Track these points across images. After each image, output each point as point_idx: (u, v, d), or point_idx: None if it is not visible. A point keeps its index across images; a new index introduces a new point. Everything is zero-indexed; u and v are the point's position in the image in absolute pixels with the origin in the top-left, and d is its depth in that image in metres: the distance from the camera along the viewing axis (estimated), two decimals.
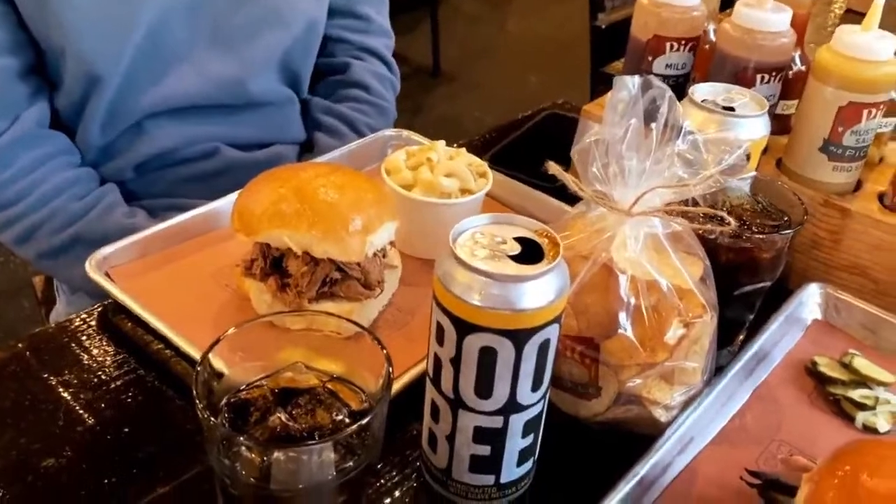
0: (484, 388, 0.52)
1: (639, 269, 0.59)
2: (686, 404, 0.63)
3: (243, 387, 0.51)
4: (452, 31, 3.74)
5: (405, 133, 1.02)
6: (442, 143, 0.87)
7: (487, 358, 0.51)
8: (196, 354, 0.66)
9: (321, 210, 0.69)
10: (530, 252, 0.51)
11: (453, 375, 0.53)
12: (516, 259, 0.50)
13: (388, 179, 0.82)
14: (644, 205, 0.58)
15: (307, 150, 1.19)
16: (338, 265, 0.71)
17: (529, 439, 0.56)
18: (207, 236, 0.84)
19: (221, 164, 1.08)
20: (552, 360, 0.53)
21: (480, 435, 0.54)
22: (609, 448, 0.63)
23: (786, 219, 0.70)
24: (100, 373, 0.68)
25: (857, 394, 0.69)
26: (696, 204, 0.61)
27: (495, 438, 0.54)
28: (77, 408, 0.64)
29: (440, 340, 0.52)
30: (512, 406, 0.53)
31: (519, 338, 0.50)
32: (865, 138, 0.78)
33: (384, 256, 0.77)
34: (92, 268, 0.74)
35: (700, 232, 0.64)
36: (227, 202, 0.86)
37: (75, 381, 0.67)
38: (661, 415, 0.62)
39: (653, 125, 0.58)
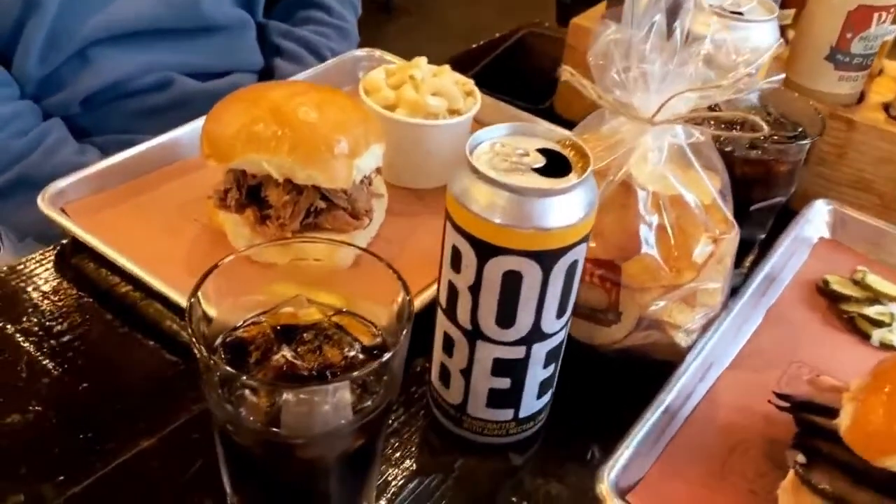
0: (506, 316, 0.47)
1: (661, 184, 0.55)
2: (705, 328, 0.60)
3: (238, 325, 0.45)
4: None
5: (377, 53, 0.95)
6: (423, 59, 0.80)
7: (512, 283, 0.46)
8: (171, 293, 0.60)
9: (302, 131, 0.62)
10: (556, 165, 0.46)
11: (471, 304, 0.48)
12: (541, 172, 0.45)
13: (368, 99, 0.75)
14: (668, 112, 0.53)
15: (266, 78, 1.11)
16: (322, 193, 0.65)
17: (550, 369, 0.52)
18: (170, 168, 0.76)
19: (177, 95, 1.00)
20: (577, 283, 0.49)
21: (500, 367, 0.50)
22: (621, 375, 0.59)
23: (800, 129, 0.66)
24: (62, 319, 0.61)
25: (872, 311, 0.67)
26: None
27: (516, 370, 0.50)
28: (41, 358, 0.57)
29: (456, 266, 0.47)
30: (535, 335, 0.48)
31: (547, 260, 0.45)
32: (874, 45, 0.74)
33: (370, 184, 0.71)
34: (45, 203, 0.66)
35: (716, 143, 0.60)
36: (188, 130, 0.78)
37: (36, 329, 0.60)
38: (682, 339, 0.58)
39: (676, 24, 0.52)
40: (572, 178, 0.45)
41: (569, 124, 0.90)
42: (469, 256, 0.46)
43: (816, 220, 0.75)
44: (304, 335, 0.45)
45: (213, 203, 0.67)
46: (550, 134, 0.48)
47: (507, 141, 0.47)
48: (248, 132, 0.62)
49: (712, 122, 0.53)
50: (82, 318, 0.61)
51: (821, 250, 0.75)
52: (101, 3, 0.92)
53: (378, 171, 0.72)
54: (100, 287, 0.64)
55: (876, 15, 0.72)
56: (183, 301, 0.59)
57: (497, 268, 0.45)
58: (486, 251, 0.45)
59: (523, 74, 1.04)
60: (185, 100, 1.01)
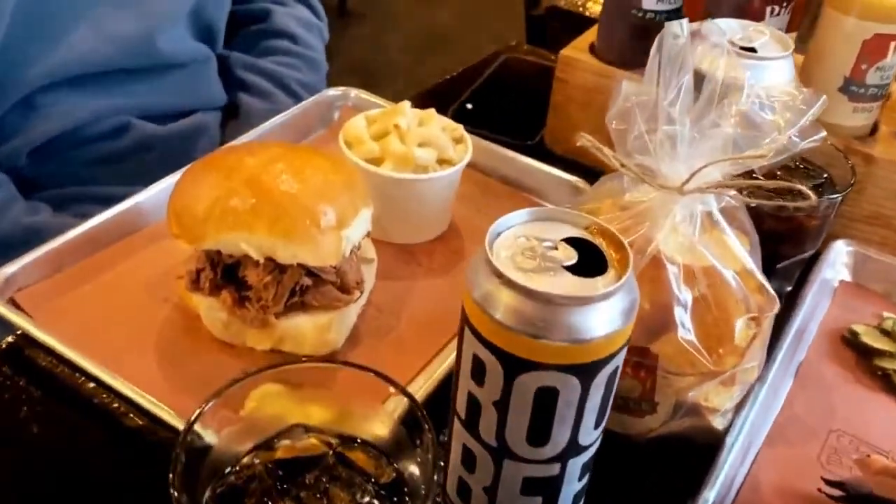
0: (540, 434, 0.41)
1: (691, 255, 0.49)
2: (739, 405, 0.54)
3: (229, 469, 0.38)
4: None
5: (353, 92, 0.88)
6: (407, 104, 0.74)
7: (546, 400, 0.39)
8: (149, 405, 0.53)
9: (283, 204, 0.56)
10: (588, 258, 0.40)
11: (497, 420, 0.41)
12: (574, 270, 0.39)
13: (350, 154, 0.69)
14: (699, 179, 0.47)
15: (231, 115, 1.03)
16: (308, 269, 0.58)
17: (585, 480, 0.46)
18: (134, 238, 0.69)
19: (135, 140, 0.92)
20: (616, 386, 0.43)
21: (531, 486, 0.43)
22: (654, 463, 0.54)
23: (825, 176, 0.61)
24: (19, 435, 0.53)
25: None
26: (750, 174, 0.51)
27: (549, 487, 0.44)
28: None
29: (479, 379, 0.41)
30: (571, 450, 0.42)
31: (587, 372, 0.39)
32: (889, 74, 0.70)
33: (358, 248, 0.64)
34: None
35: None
36: (152, 194, 0.71)
37: None
38: (719, 423, 0.53)
39: (705, 81, 0.47)
40: (611, 278, 0.39)
41: (560, 160, 0.86)
42: (495, 370, 0.40)
43: (837, 262, 0.70)
44: (307, 476, 0.38)
45: (183, 285, 0.60)
46: (577, 220, 0.42)
47: (529, 231, 0.41)
48: (223, 208, 0.55)
49: (751, 191, 0.48)
50: (41, 431, 0.54)
51: (843, 295, 0.70)
52: (45, 45, 0.83)
53: (367, 233, 0.66)
54: (63, 389, 0.57)
55: (892, 44, 0.67)
56: (160, 412, 0.52)
57: (529, 384, 0.39)
58: (515, 366, 0.39)
59: (505, 103, 0.98)
60: (144, 145, 0.93)
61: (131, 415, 0.55)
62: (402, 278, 0.69)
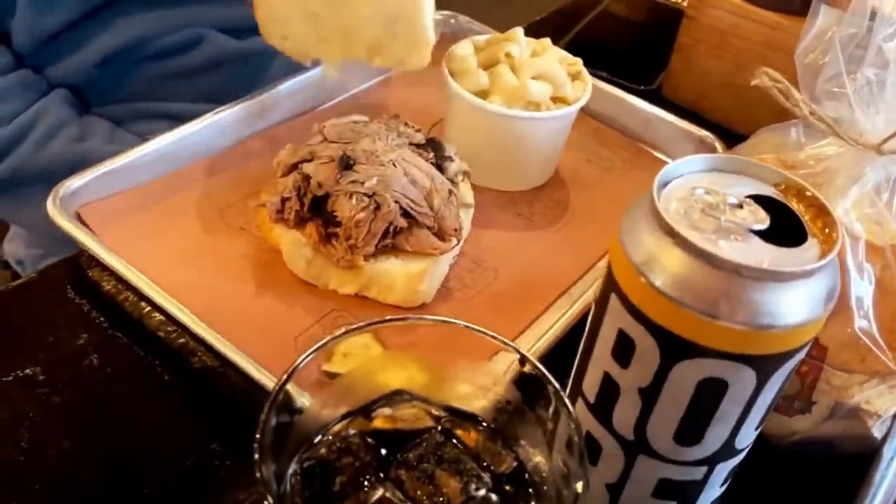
0: (692, 432, 0.34)
1: (880, 230, 0.40)
2: None
3: (319, 438, 0.32)
4: None
5: (458, 18, 0.79)
6: (520, 30, 0.65)
7: (710, 394, 0.32)
8: (220, 346, 0.47)
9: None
10: (781, 224, 0.32)
11: (640, 411, 0.34)
12: (765, 237, 0.31)
13: (454, 84, 0.61)
14: None
15: None
16: (404, 209, 0.51)
17: (725, 486, 0.38)
18: (209, 160, 0.62)
19: (209, 55, 0.84)
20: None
21: (667, 488, 0.36)
22: (796, 470, 0.46)
23: None
24: (76, 365, 0.48)
25: None
26: None
27: (687, 492, 0.37)
28: (46, 422, 0.45)
29: (623, 360, 0.33)
30: (724, 452, 0.35)
31: (766, 366, 0.31)
32: None
33: (457, 191, 0.57)
34: (56, 208, 0.53)
35: None
36: (231, 113, 0.64)
37: (42, 379, 0.47)
38: (878, 430, 0.44)
39: None
40: (814, 253, 0.31)
41: (678, 108, 0.76)
42: (648, 351, 0.32)
43: None
44: (409, 453, 0.31)
45: (266, 215, 0.53)
46: (765, 174, 0.34)
47: (708, 183, 0.33)
48: None
49: None
50: (102, 363, 0.48)
51: None
52: None
53: (466, 174, 0.59)
54: (127, 318, 0.51)
55: None
56: (233, 355, 0.46)
57: (691, 373, 0.31)
58: (678, 350, 0.31)
59: (617, 41, 0.89)
60: (218, 61, 0.85)
61: (200, 355, 0.49)
62: (500, 228, 0.61)
